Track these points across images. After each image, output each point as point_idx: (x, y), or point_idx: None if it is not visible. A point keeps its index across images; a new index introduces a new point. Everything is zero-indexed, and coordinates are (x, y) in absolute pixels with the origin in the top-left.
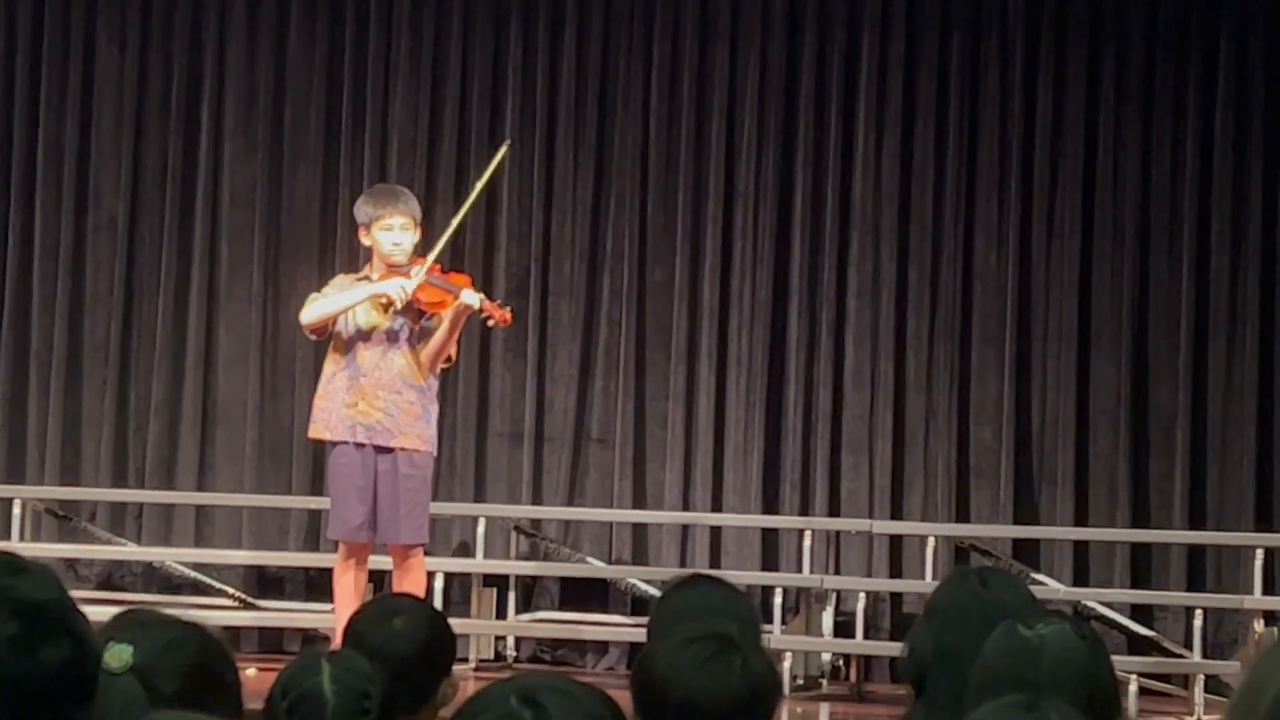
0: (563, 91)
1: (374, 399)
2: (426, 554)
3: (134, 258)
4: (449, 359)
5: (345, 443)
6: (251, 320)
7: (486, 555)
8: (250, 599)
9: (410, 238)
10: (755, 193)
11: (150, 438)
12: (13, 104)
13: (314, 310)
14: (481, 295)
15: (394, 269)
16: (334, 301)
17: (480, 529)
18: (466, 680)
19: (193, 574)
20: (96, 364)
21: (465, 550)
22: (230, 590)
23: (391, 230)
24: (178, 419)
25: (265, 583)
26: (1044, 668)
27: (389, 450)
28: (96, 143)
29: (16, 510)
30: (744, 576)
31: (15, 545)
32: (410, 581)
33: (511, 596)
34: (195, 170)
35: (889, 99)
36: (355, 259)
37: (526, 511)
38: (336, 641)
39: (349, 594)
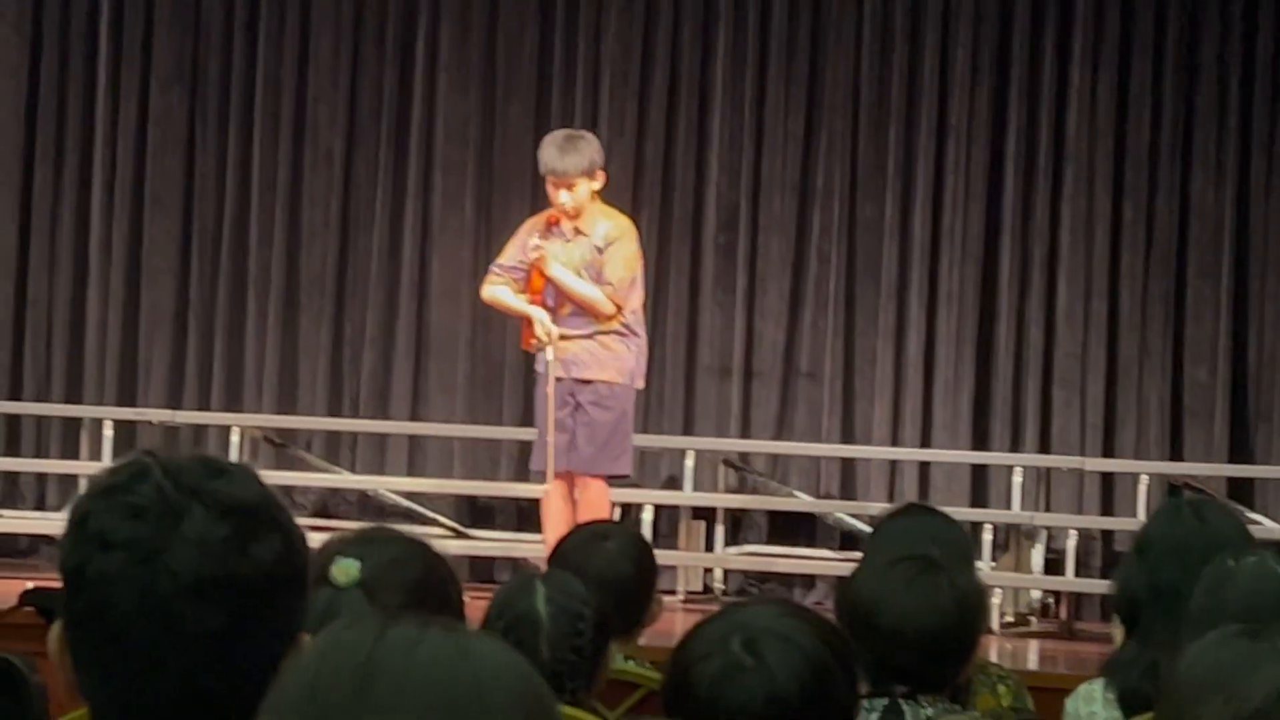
0: (774, 24)
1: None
2: (634, 485)
3: (350, 191)
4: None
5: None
6: (465, 253)
7: (695, 488)
8: (462, 528)
9: (568, 196)
10: (968, 128)
11: (365, 368)
12: (232, 37)
13: (490, 299)
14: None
15: (555, 224)
16: (502, 302)
17: (689, 462)
18: (675, 612)
19: (406, 503)
20: (313, 295)
21: (674, 483)
22: (443, 520)
23: (553, 190)
24: (392, 350)
25: (477, 513)
26: (1235, 596)
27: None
28: (314, 76)
29: (235, 438)
30: (953, 513)
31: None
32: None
33: (720, 530)
34: (410, 104)
35: (1105, 31)
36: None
37: (735, 445)
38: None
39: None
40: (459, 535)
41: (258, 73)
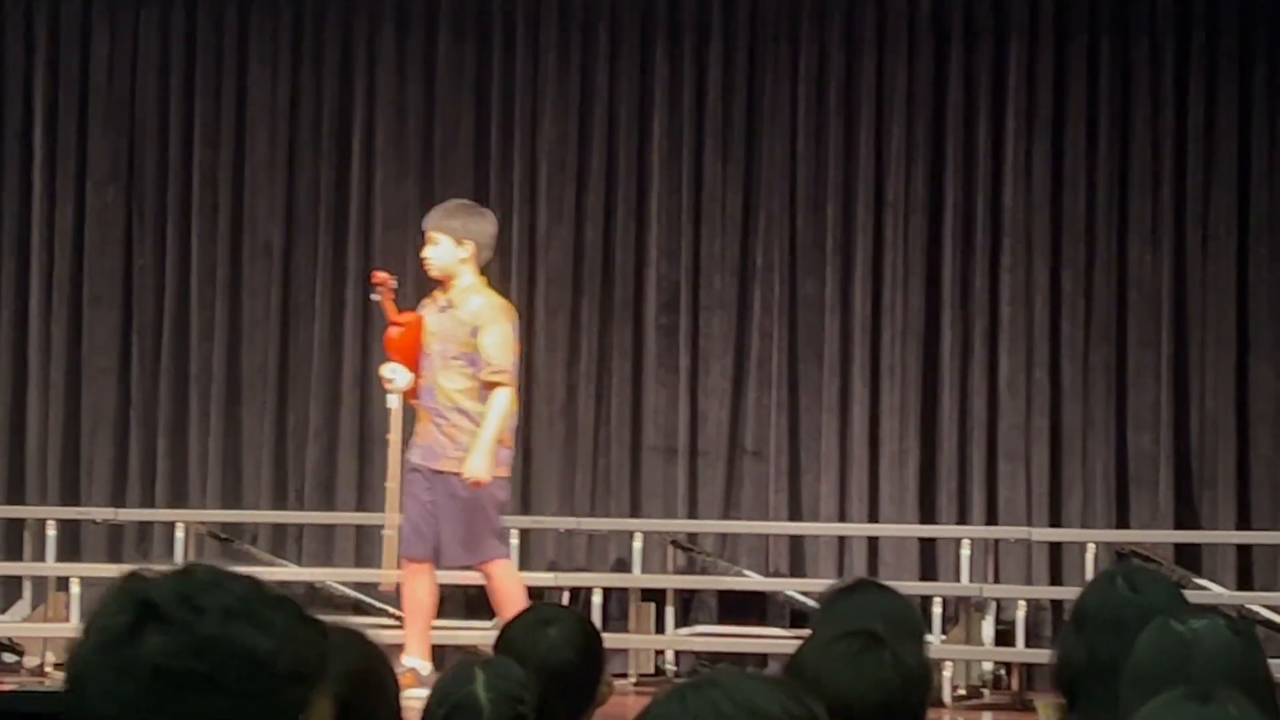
0: (709, 104)
1: None
2: (582, 568)
3: (289, 282)
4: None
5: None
6: None
7: (644, 570)
8: None
9: (428, 250)
10: (905, 202)
11: (309, 460)
12: (167, 133)
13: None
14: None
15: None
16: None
17: (637, 543)
18: (626, 695)
19: (354, 594)
20: (255, 388)
21: (622, 565)
22: (391, 609)
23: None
24: (336, 441)
25: None
26: (1198, 662)
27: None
28: (251, 169)
29: (180, 534)
30: (902, 586)
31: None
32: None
33: (670, 610)
34: (348, 194)
35: (1038, 105)
36: (506, 278)
37: (683, 525)
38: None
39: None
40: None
41: (194, 168)
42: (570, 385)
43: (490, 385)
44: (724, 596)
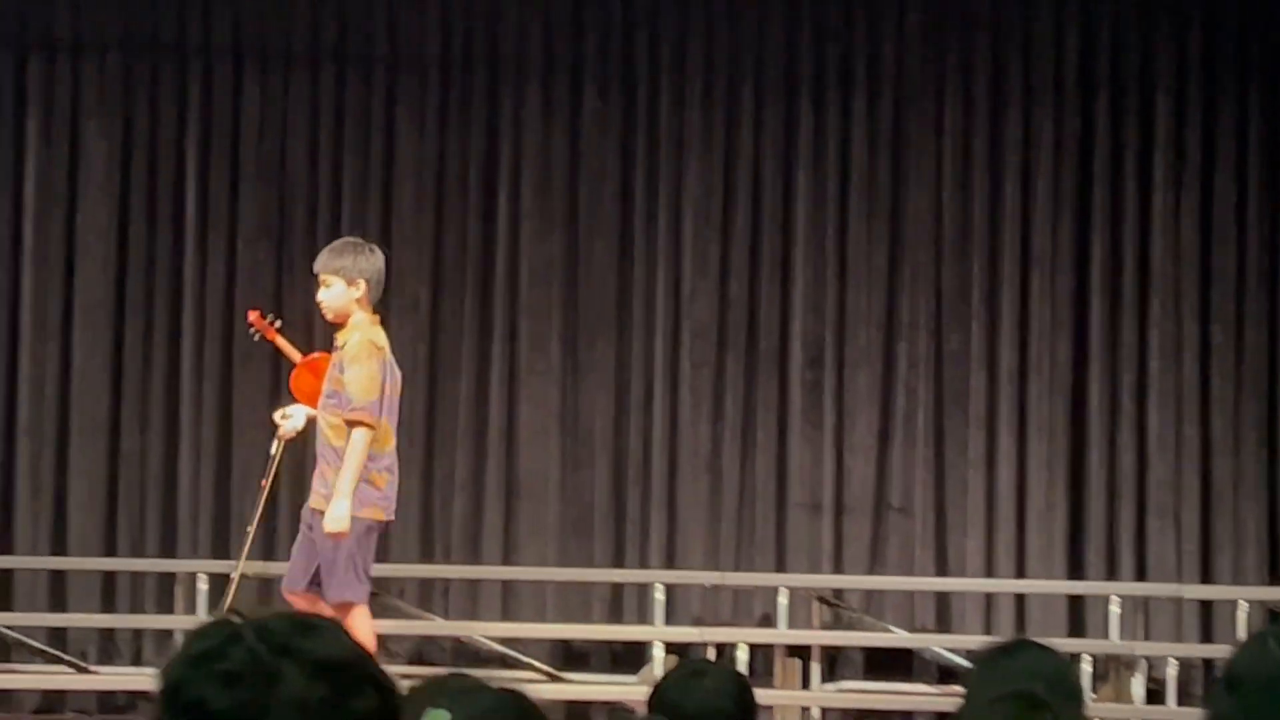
0: (854, 158)
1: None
2: (728, 623)
3: (436, 337)
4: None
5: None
6: (552, 396)
7: (790, 625)
8: (557, 672)
9: (321, 292)
10: (1051, 255)
11: (456, 514)
12: (317, 190)
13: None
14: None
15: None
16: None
17: (782, 599)
18: None
19: (500, 648)
20: (402, 441)
21: (768, 621)
22: (537, 664)
23: None
24: (482, 495)
25: (571, 656)
26: None
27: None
28: (399, 225)
29: None
30: (1051, 644)
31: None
32: None
33: (816, 666)
34: (494, 249)
35: (1186, 157)
36: (651, 332)
37: (828, 581)
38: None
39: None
40: (553, 679)
41: (343, 224)
42: (715, 440)
43: (350, 424)
44: (870, 652)
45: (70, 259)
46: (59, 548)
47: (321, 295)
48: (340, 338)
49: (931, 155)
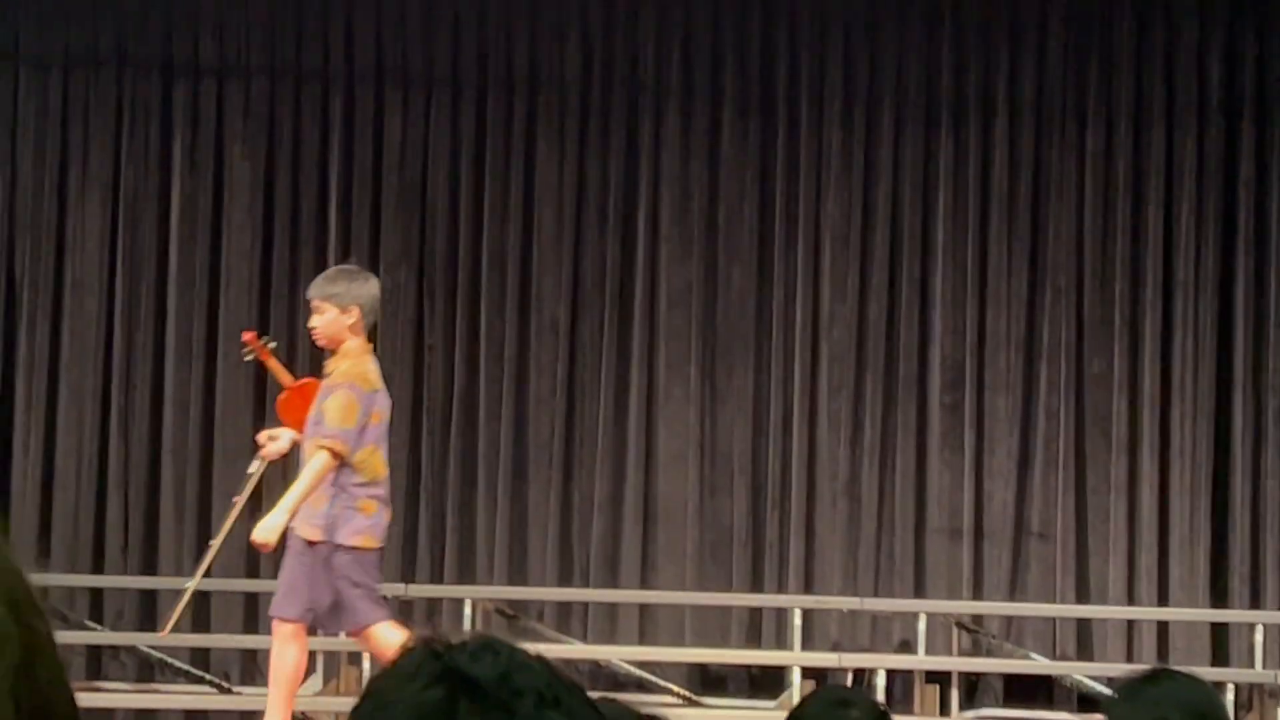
0: (995, 181)
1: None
2: (870, 650)
3: (575, 360)
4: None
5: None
6: (690, 419)
7: (929, 651)
8: (695, 696)
9: (316, 319)
10: (1195, 279)
11: (594, 537)
12: (457, 215)
13: None
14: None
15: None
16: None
17: (921, 625)
18: None
19: (638, 672)
20: (541, 465)
21: (907, 647)
22: (675, 688)
23: None
24: (620, 518)
25: (709, 680)
26: None
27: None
28: (538, 249)
29: (468, 610)
30: (1193, 672)
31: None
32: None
33: (955, 693)
34: (633, 273)
35: None
36: (789, 356)
37: (968, 607)
38: None
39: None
40: (691, 703)
41: (482, 248)
42: (853, 464)
43: (321, 447)
44: (1010, 679)
45: (214, 282)
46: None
47: (314, 321)
48: (329, 365)
49: (1073, 178)
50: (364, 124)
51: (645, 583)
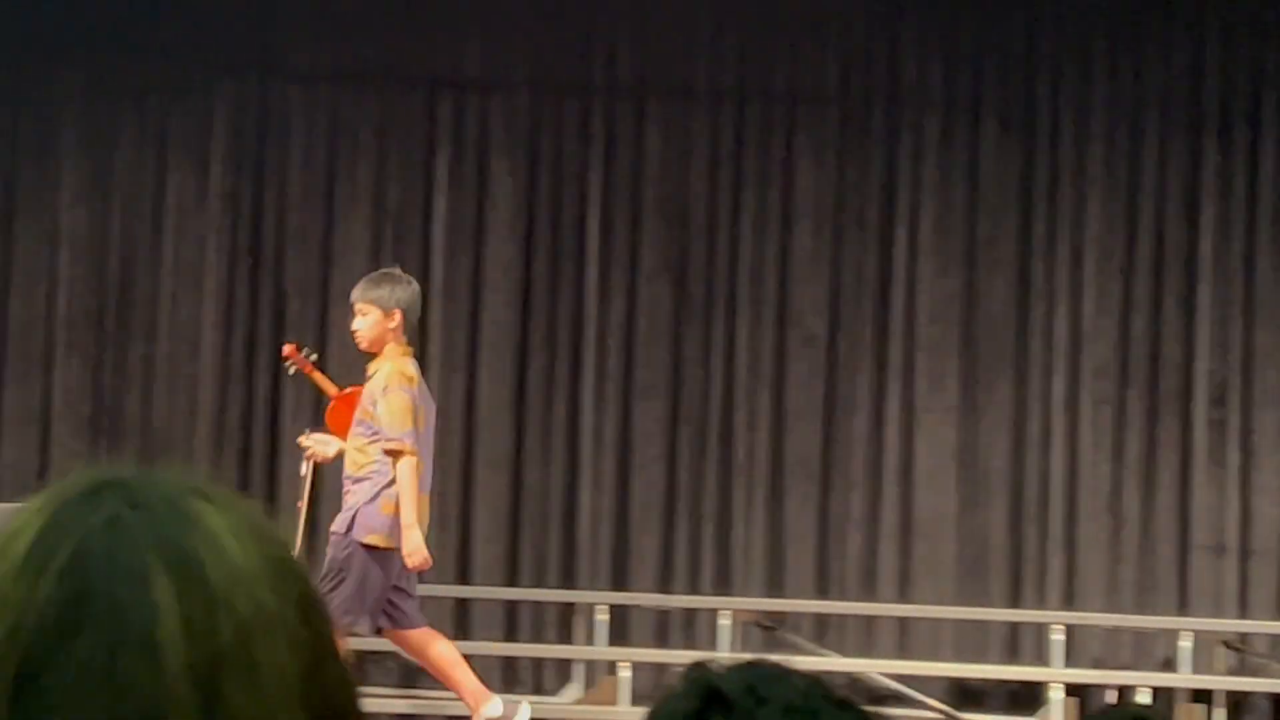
0: (1262, 194)
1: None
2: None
3: (833, 373)
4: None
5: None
6: (949, 434)
7: (1193, 669)
8: (954, 712)
9: (356, 321)
10: None
11: (851, 550)
12: (715, 227)
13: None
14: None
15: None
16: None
17: (1184, 642)
18: None
19: (895, 685)
20: (799, 478)
21: (1169, 665)
22: (933, 703)
23: None
24: (878, 532)
25: (967, 695)
26: None
27: None
28: (796, 261)
29: (724, 622)
30: None
31: (722, 658)
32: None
33: (1220, 712)
34: (891, 286)
35: None
36: (1050, 370)
37: (1234, 625)
38: None
39: None
40: (950, 719)
41: (741, 260)
42: (1115, 479)
43: (391, 455)
44: (1277, 700)
45: (477, 293)
46: (463, 576)
47: (356, 324)
48: (371, 367)
49: None
50: (624, 136)
51: (903, 596)
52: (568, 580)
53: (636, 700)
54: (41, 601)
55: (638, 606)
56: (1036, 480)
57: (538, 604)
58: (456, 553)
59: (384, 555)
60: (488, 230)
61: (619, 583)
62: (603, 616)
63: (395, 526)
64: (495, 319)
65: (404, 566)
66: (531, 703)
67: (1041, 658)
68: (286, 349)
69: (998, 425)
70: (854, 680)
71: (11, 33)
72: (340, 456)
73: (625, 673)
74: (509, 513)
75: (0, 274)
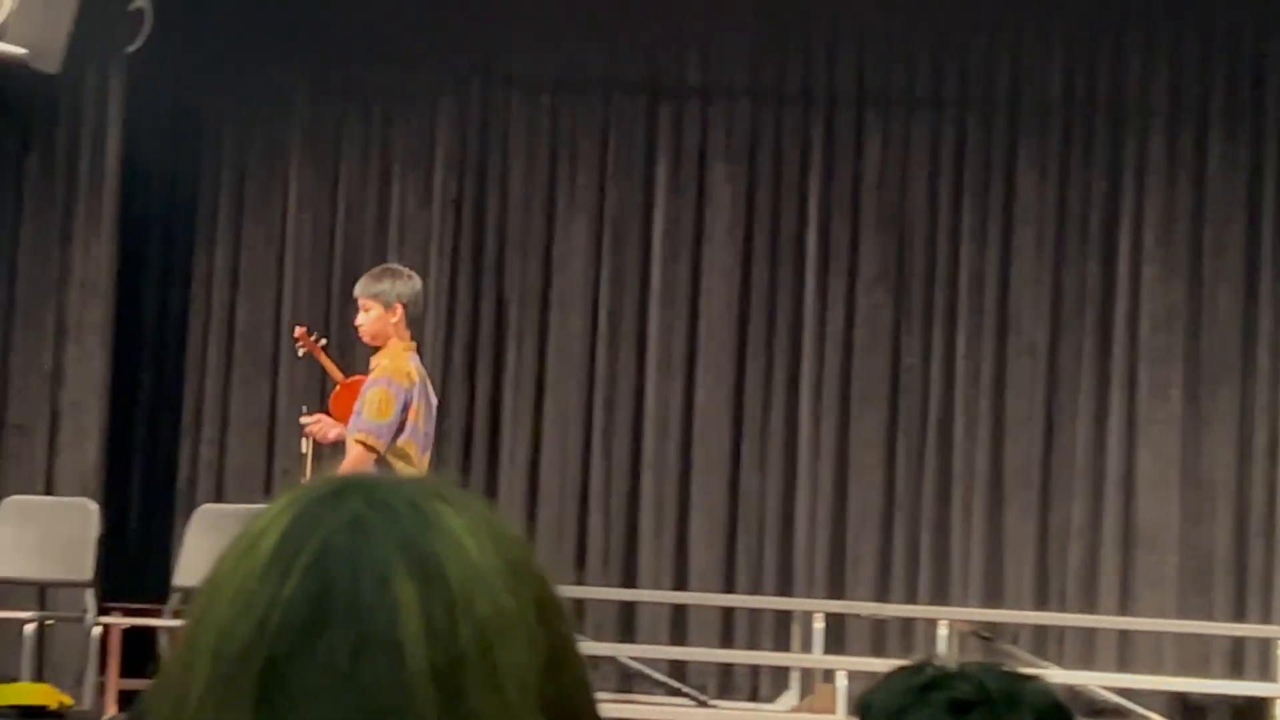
0: None
1: None
2: None
3: (1054, 382)
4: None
5: None
6: (1172, 444)
7: None
8: None
9: (361, 317)
10: None
11: (1071, 561)
12: (935, 236)
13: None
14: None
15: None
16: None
17: None
18: None
19: (1115, 699)
20: (1018, 487)
21: None
22: (1154, 717)
23: None
24: (1099, 543)
25: (1189, 710)
26: None
27: None
28: (1017, 269)
29: (943, 631)
30: None
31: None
32: None
33: None
34: (1114, 295)
35: None
36: (1277, 379)
37: None
38: None
39: None
40: None
41: (961, 268)
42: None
43: (357, 442)
44: None
45: (695, 300)
46: (680, 582)
47: (359, 319)
48: (373, 361)
49: None
50: (844, 144)
51: (1124, 609)
52: (784, 587)
53: (853, 709)
54: (286, 599)
55: (855, 615)
56: (1263, 491)
57: (754, 610)
58: (673, 558)
59: None
60: (706, 237)
61: (835, 590)
62: (819, 624)
63: None
64: (713, 325)
65: None
66: (747, 710)
67: (1267, 673)
68: (298, 331)
69: (1222, 436)
70: (1074, 693)
71: (239, 44)
72: (339, 441)
73: (842, 681)
74: (726, 519)
75: (228, 279)
